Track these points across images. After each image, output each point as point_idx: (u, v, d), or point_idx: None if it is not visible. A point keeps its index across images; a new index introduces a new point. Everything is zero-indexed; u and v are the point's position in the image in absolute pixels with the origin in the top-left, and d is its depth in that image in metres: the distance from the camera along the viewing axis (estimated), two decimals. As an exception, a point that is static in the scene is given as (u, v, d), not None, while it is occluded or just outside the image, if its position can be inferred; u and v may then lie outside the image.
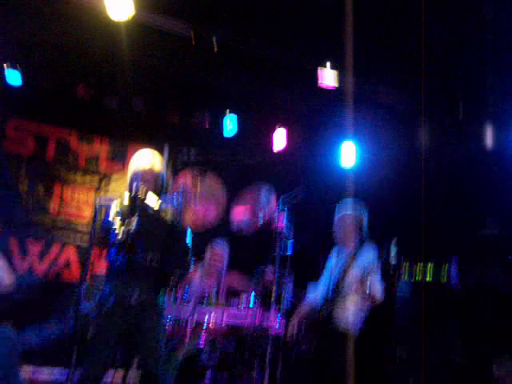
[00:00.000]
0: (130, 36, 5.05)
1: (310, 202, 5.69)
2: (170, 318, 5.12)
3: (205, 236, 5.91)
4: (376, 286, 4.46)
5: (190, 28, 5.06)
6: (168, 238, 4.04)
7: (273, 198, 5.65)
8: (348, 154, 6.84)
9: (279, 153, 7.09)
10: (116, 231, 3.84)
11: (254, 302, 5.47)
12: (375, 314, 4.73)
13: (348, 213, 4.90)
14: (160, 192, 4.11)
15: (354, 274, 4.52)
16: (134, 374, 5.16)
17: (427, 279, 5.80)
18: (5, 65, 5.89)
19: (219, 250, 6.09)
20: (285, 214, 5.40)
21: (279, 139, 6.90)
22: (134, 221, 3.84)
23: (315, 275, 5.32)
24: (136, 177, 4.01)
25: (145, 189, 3.90)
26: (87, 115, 6.78)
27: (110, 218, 3.94)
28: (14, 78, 5.99)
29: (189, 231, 4.30)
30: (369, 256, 4.61)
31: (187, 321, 5.15)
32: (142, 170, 4.03)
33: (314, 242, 5.67)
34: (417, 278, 5.70)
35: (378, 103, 6.16)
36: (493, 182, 6.17)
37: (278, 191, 5.74)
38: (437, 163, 6.55)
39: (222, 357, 4.97)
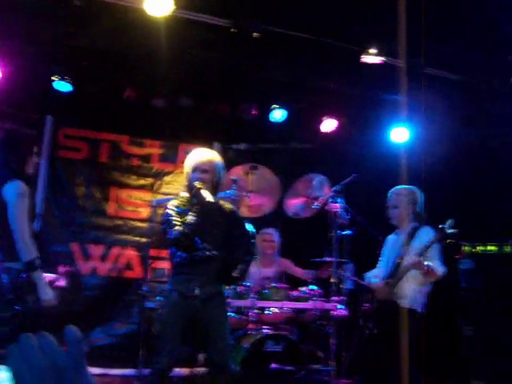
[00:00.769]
0: (172, 33, 5.06)
1: (363, 186, 5.62)
2: (232, 307, 5.14)
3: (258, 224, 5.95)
4: (436, 261, 4.38)
5: (231, 18, 5.04)
6: (229, 227, 4.06)
7: (326, 185, 5.61)
8: (400, 134, 6.72)
9: (330, 137, 7.03)
10: (175, 227, 3.87)
11: (315, 287, 5.45)
12: (438, 290, 4.64)
13: (400, 190, 4.82)
14: (217, 184, 4.13)
15: (413, 251, 4.47)
16: (201, 366, 5.22)
17: (491, 250, 5.61)
18: (54, 76, 6.00)
19: (268, 236, 6.12)
20: (340, 200, 5.37)
21: (329, 123, 6.83)
22: (193, 214, 3.86)
23: (374, 258, 5.25)
24: (195, 168, 4.03)
25: (202, 181, 3.93)
26: (136, 117, 6.86)
27: (170, 214, 3.97)
28: (63, 84, 6.08)
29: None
30: (428, 232, 4.54)
31: (249, 309, 5.17)
32: (201, 162, 4.05)
33: (371, 226, 5.57)
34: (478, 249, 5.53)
35: (430, 81, 5.99)
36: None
37: (330, 176, 5.69)
38: (499, 140, 6.35)
39: (287, 344, 4.95)
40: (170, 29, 5.00)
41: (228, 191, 4.84)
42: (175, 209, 3.99)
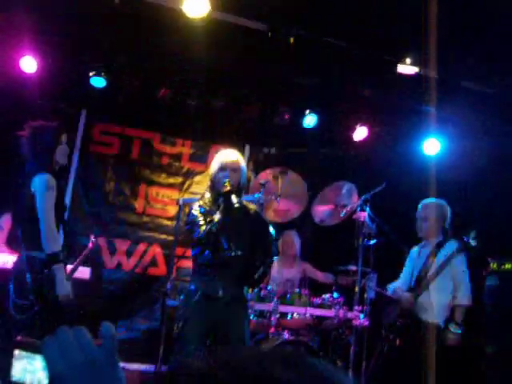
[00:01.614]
0: (208, 35, 5.10)
1: (392, 196, 5.59)
2: (255, 310, 5.14)
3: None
4: (463, 287, 4.36)
5: (268, 22, 5.06)
6: (253, 229, 4.06)
7: (355, 194, 5.59)
8: (432, 146, 6.66)
9: (361, 146, 7.00)
10: (200, 227, 3.89)
11: (338, 295, 5.43)
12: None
13: (431, 204, 4.80)
14: (243, 187, 4.14)
15: (437, 264, 4.44)
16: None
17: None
18: (91, 72, 6.06)
19: (288, 237, 6.13)
20: (367, 208, 5.34)
21: (361, 132, 6.80)
22: (218, 215, 3.88)
23: (398, 269, 5.22)
24: (221, 168, 4.05)
25: (229, 181, 3.94)
26: (169, 116, 6.92)
27: (194, 215, 4.00)
28: (98, 80, 6.14)
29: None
30: (454, 246, 4.51)
31: (271, 313, 5.17)
32: (228, 161, 4.07)
33: (397, 236, 5.54)
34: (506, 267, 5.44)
35: (462, 93, 5.94)
36: None
37: (359, 185, 5.66)
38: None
39: (306, 350, 4.94)
40: (206, 31, 5.03)
41: (256, 194, 4.85)
42: (199, 209, 4.02)
